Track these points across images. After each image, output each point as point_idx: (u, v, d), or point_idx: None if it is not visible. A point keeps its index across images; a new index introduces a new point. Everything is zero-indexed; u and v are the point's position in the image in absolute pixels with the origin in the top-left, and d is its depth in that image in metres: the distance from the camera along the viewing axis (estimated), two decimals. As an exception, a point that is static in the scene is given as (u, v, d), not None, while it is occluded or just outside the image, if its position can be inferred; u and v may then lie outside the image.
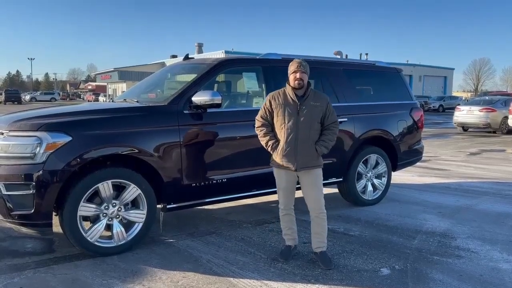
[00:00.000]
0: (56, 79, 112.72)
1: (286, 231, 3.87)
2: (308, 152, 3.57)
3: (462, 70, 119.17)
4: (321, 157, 3.68)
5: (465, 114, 17.51)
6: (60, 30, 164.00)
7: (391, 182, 5.94)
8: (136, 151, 3.79)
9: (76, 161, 3.55)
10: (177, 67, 5.16)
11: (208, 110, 4.14)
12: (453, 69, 55.09)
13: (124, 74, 46.30)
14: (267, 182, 4.60)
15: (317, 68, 5.23)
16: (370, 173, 5.61)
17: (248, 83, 5.15)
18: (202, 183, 4.15)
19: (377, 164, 5.67)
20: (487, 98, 19.10)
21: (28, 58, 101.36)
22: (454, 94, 54.88)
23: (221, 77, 5.01)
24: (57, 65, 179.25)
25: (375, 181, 5.71)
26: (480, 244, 4.26)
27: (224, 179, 4.29)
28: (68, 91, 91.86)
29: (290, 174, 3.65)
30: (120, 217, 3.86)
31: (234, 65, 4.74)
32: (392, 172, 5.92)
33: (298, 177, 3.69)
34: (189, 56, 5.21)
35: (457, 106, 19.01)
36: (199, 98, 4.03)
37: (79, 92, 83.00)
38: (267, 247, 4.07)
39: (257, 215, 5.12)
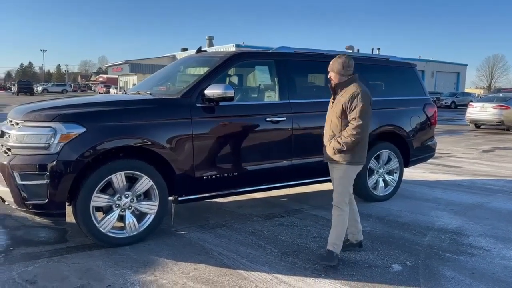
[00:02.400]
0: (67, 71, 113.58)
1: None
2: (328, 146, 3.63)
3: (476, 66, 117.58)
4: (346, 154, 3.52)
5: (478, 111, 17.29)
6: (72, 22, 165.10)
7: (403, 178, 5.90)
8: (149, 143, 3.81)
9: (90, 152, 3.58)
10: (190, 60, 5.16)
11: (221, 104, 4.14)
12: (466, 65, 54.38)
13: (135, 67, 46.45)
14: (278, 176, 4.62)
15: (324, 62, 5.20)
16: (381, 169, 5.57)
17: (260, 76, 5.13)
18: (214, 176, 4.16)
19: (389, 160, 5.63)
20: (500, 95, 18.80)
21: (41, 50, 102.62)
22: (467, 90, 54.18)
23: (234, 71, 5.01)
24: (69, 57, 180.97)
25: (387, 177, 5.67)
26: (492, 242, 4.22)
27: (236, 172, 4.31)
28: (80, 83, 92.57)
29: (328, 164, 3.74)
30: (133, 208, 3.89)
31: (247, 58, 4.73)
32: (404, 169, 5.87)
33: None
34: (202, 49, 5.21)
35: (470, 103, 18.78)
36: (212, 91, 4.03)
37: (90, 84, 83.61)
38: (278, 241, 4.08)
39: (267, 209, 5.13)
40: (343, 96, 3.52)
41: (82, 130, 3.56)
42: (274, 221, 4.68)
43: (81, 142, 3.56)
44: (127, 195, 3.83)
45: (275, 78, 4.68)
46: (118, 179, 3.72)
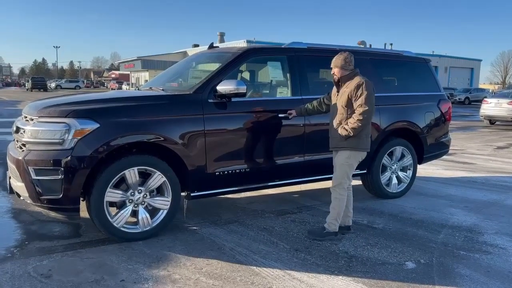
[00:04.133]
0: (80, 67, 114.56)
1: None
2: (333, 134, 4.02)
3: (490, 61, 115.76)
4: (352, 140, 3.89)
5: (492, 107, 17.04)
6: (85, 18, 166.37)
7: (416, 175, 5.83)
8: (162, 139, 3.82)
9: (103, 147, 3.60)
10: (202, 56, 5.15)
11: (233, 100, 4.13)
12: (481, 60, 53.55)
13: (147, 63, 46.73)
14: (291, 173, 4.60)
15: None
16: (395, 165, 5.52)
17: (273, 72, 5.11)
18: (226, 172, 4.16)
19: (402, 156, 5.57)
20: (516, 90, 18.50)
21: (54, 46, 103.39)
22: (481, 86, 53.36)
23: (246, 66, 4.99)
24: (82, 54, 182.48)
25: (400, 173, 5.62)
26: (508, 240, 4.15)
27: (248, 168, 4.30)
28: (92, 79, 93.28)
29: (333, 153, 4.12)
30: (146, 204, 3.90)
31: (260, 54, 4.71)
32: (418, 165, 5.81)
33: None
34: (214, 45, 5.20)
35: (485, 99, 18.51)
36: (224, 87, 4.02)
37: (103, 80, 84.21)
38: (290, 237, 4.07)
39: (279, 205, 5.11)
40: (348, 87, 3.88)
41: (96, 126, 3.58)
42: (286, 218, 4.67)
43: (95, 138, 3.58)
44: (140, 191, 3.84)
45: (288, 74, 4.66)
46: (131, 174, 3.74)
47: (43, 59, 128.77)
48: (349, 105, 3.87)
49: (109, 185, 3.67)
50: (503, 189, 6.31)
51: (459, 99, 35.28)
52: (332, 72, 4.00)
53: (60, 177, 3.52)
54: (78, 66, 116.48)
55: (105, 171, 3.64)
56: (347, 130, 3.84)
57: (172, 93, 4.27)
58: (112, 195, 3.71)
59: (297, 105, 4.44)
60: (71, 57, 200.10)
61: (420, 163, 5.84)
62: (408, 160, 5.61)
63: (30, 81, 51.73)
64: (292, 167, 4.64)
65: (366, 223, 4.53)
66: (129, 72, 57.21)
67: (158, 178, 3.86)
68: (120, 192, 3.77)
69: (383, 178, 5.43)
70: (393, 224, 4.53)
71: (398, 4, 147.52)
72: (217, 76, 4.18)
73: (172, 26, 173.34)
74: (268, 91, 5.08)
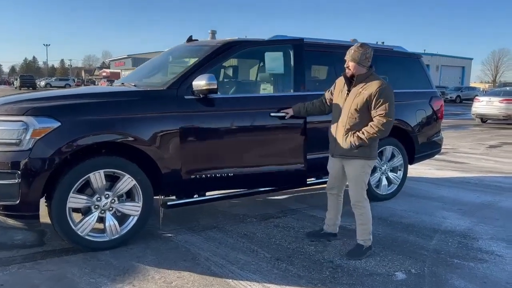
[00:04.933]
0: (71, 66, 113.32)
1: (326, 213, 3.93)
2: (343, 140, 3.51)
3: (481, 60, 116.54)
4: (364, 149, 3.46)
5: (484, 105, 16.90)
6: (76, 16, 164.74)
7: (407, 175, 5.57)
8: (131, 139, 3.50)
9: (65, 148, 3.27)
10: (179, 49, 4.81)
11: (211, 96, 3.80)
12: (472, 59, 53.85)
13: (138, 61, 46.17)
14: (277, 180, 4.20)
15: (331, 53, 4.86)
16: (385, 166, 5.25)
17: (258, 67, 4.82)
18: (203, 176, 3.81)
19: (392, 156, 5.30)
20: (507, 89, 18.37)
21: (44, 44, 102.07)
22: (472, 85, 53.55)
23: (228, 61, 4.68)
24: (73, 52, 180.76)
25: (390, 174, 5.35)
26: (505, 246, 3.89)
27: (229, 173, 3.91)
28: (83, 77, 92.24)
29: (333, 158, 3.71)
30: (114, 210, 3.59)
31: (241, 47, 4.37)
32: (409, 165, 5.55)
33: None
34: (193, 38, 4.87)
35: (476, 97, 18.38)
36: (196, 82, 3.71)
37: (94, 79, 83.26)
38: (271, 244, 3.77)
39: (262, 209, 4.81)
40: (366, 89, 3.39)
41: (56, 124, 3.25)
42: (269, 222, 4.37)
43: (55, 138, 3.25)
44: (107, 196, 3.52)
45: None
46: (97, 178, 3.42)
47: (34, 57, 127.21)
48: (364, 109, 3.39)
49: (72, 190, 3.34)
50: (497, 190, 6.07)
51: (450, 97, 35.29)
52: (346, 65, 3.48)
53: (17, 181, 3.19)
54: (69, 65, 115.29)
55: (67, 175, 3.31)
56: (362, 139, 3.38)
57: (144, 89, 3.94)
58: (76, 200, 3.39)
59: (285, 103, 4.02)
60: (62, 55, 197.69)
61: (411, 163, 5.57)
62: (398, 160, 5.34)
63: (18, 79, 50.90)
64: (279, 174, 4.15)
65: (353, 228, 4.23)
66: (119, 70, 56.62)
67: (127, 182, 3.54)
68: (84, 197, 3.44)
69: (373, 179, 5.15)
70: (383, 229, 4.25)
71: (390, 2, 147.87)
72: (194, 71, 3.85)
73: (164, 24, 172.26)
74: (252, 88, 4.77)
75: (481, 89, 41.71)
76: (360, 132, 3.40)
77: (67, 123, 3.29)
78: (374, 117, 3.37)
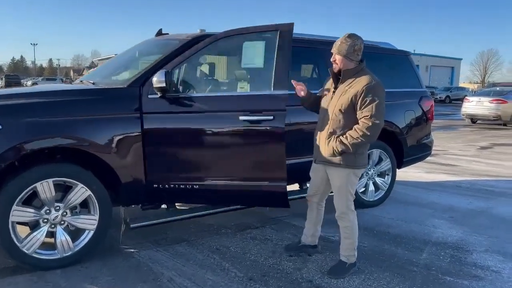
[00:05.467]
0: (59, 65, 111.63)
1: (305, 222, 3.56)
2: (326, 146, 3.10)
3: (470, 61, 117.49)
4: (349, 156, 3.03)
5: (474, 106, 16.68)
6: (64, 15, 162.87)
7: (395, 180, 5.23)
8: (84, 143, 3.09)
9: (7, 154, 2.87)
10: (147, 44, 4.39)
11: (181, 95, 3.40)
12: (461, 59, 53.97)
13: (125, 60, 45.45)
14: (251, 198, 3.56)
15: (313, 49, 4.51)
16: (371, 170, 4.90)
17: (234, 64, 4.43)
18: (167, 187, 3.40)
19: (380, 160, 4.96)
20: (497, 89, 18.21)
21: (31, 44, 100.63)
22: (461, 85, 53.72)
23: (207, 57, 4.30)
24: (62, 51, 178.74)
25: (378, 179, 5.00)
26: (501, 260, 3.56)
27: (195, 185, 3.42)
28: (72, 77, 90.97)
29: (316, 164, 3.30)
30: (66, 223, 3.18)
31: (214, 40, 3.94)
32: (397, 169, 5.21)
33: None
34: (163, 32, 4.48)
35: (466, 97, 18.17)
36: (151, 80, 3.31)
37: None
38: (246, 261, 3.39)
39: (239, 218, 4.42)
40: (353, 87, 2.97)
41: (-4, 127, 2.84)
42: (245, 234, 3.99)
43: (-5, 143, 2.84)
44: (58, 208, 3.12)
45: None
46: (45, 188, 3.01)
47: (22, 56, 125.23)
48: (350, 110, 2.97)
49: (16, 202, 2.93)
50: (489, 195, 5.76)
51: (440, 97, 35.22)
52: (332, 59, 3.05)
53: (-51, 192, 2.78)
54: (57, 64, 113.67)
55: (9, 184, 2.91)
56: (345, 145, 2.96)
57: (101, 87, 3.54)
58: (20, 214, 2.98)
59: (259, 104, 3.40)
60: (51, 55, 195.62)
61: (399, 167, 5.23)
62: (386, 164, 5.00)
63: (3, 78, 49.92)
64: (264, 192, 3.45)
65: (336, 239, 3.88)
66: (107, 70, 55.71)
67: (81, 192, 3.14)
68: (31, 210, 3.03)
69: (359, 185, 4.80)
70: (369, 241, 3.89)
71: (377, 2, 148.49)
72: (159, 68, 3.44)
73: (154, 22, 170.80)
74: (230, 86, 4.37)
75: (470, 89, 41.77)
76: (344, 136, 2.99)
77: (9, 126, 2.89)
78: (360, 119, 2.95)
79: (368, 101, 2.91)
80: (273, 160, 3.34)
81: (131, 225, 3.37)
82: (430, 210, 4.95)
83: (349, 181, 3.12)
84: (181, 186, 3.39)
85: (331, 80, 3.20)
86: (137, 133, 3.29)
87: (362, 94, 2.91)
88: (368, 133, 2.92)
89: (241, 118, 3.32)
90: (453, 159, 8.56)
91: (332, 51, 3.07)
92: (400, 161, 5.18)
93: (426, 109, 5.42)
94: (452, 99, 35.65)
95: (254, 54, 3.41)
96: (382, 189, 5.05)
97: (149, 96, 3.36)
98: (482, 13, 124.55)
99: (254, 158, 3.42)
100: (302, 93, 3.24)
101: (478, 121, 17.40)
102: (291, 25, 3.35)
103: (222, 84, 4.29)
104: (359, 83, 2.95)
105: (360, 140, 2.94)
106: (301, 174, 4.26)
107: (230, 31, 3.46)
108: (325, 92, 3.22)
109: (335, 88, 3.09)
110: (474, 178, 6.83)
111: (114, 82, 3.66)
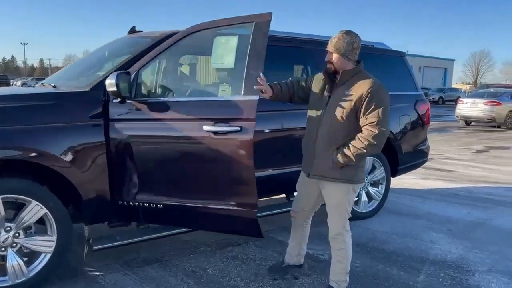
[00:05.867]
0: (50, 65, 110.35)
1: (289, 240, 3.22)
2: (325, 157, 2.72)
3: (462, 62, 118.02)
4: (348, 169, 2.70)
5: (468, 107, 16.49)
6: (56, 15, 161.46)
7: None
8: (39, 156, 2.71)
9: None
10: (118, 43, 4.00)
11: (150, 100, 3.04)
12: (454, 60, 54.09)
13: (116, 61, 44.97)
14: (218, 223, 3.06)
15: (301, 49, 4.17)
16: (364, 179, 4.55)
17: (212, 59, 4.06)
18: (133, 205, 3.03)
19: (373, 168, 4.62)
20: (492, 90, 18.05)
21: (21, 43, 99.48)
22: (454, 86, 53.80)
23: (187, 57, 3.93)
24: (53, 51, 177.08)
25: (371, 189, 4.66)
26: (506, 282, 3.23)
27: (159, 204, 3.00)
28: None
29: (306, 178, 2.91)
30: (19, 246, 2.80)
31: (188, 36, 3.53)
32: (392, 178, 4.88)
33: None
34: (136, 29, 4.10)
35: (460, 99, 17.98)
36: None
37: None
38: (223, 286, 3.03)
39: (220, 234, 4.03)
40: (354, 90, 2.63)
41: None
42: (226, 253, 3.63)
43: None
44: (8, 228, 2.74)
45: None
46: (-9, 207, 2.63)
47: (12, 56, 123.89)
48: (351, 117, 2.63)
49: (-44, 223, 2.55)
50: (489, 203, 5.44)
51: (433, 98, 35.07)
52: (327, 59, 2.70)
53: None
54: (48, 64, 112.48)
55: None
56: (348, 157, 2.61)
57: (59, 91, 3.15)
58: (-38, 236, 2.60)
59: (231, 109, 2.80)
60: (42, 54, 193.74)
61: (394, 175, 4.90)
62: (379, 172, 4.67)
63: (-8, 78, 49.19)
64: (232, 218, 2.95)
65: (326, 259, 3.53)
66: (98, 70, 55.15)
67: (35, 210, 2.76)
68: (-25, 232, 2.65)
69: (351, 196, 4.45)
70: (361, 260, 3.55)
71: (369, 2, 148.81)
72: (127, 68, 3.06)
73: (148, 22, 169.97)
74: (198, 91, 3.94)
75: (463, 90, 41.76)
76: (346, 147, 2.64)
77: None
78: (364, 126, 2.62)
79: (373, 106, 2.58)
80: (241, 180, 2.81)
81: (94, 247, 3.00)
82: (427, 222, 4.62)
83: (348, 198, 2.80)
84: (145, 204, 3.01)
85: (319, 82, 2.82)
86: (100, 143, 2.92)
87: (367, 99, 2.58)
88: (375, 142, 2.59)
89: (205, 128, 2.81)
90: (449, 164, 8.26)
91: (327, 49, 2.69)
92: (395, 169, 4.85)
93: (422, 113, 5.11)
94: (445, 100, 35.60)
95: (224, 51, 2.94)
96: (376, 199, 4.72)
97: (114, 101, 2.99)
98: (475, 14, 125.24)
99: (220, 177, 2.88)
100: (267, 95, 2.76)
101: (472, 123, 17.20)
102: (268, 16, 2.80)
103: (190, 87, 3.78)
104: (362, 86, 2.61)
105: (365, 151, 2.61)
106: (288, 185, 3.97)
107: (199, 25, 3.03)
108: (314, 96, 2.83)
109: (331, 92, 2.73)
110: (471, 185, 6.52)
111: (77, 85, 3.28)
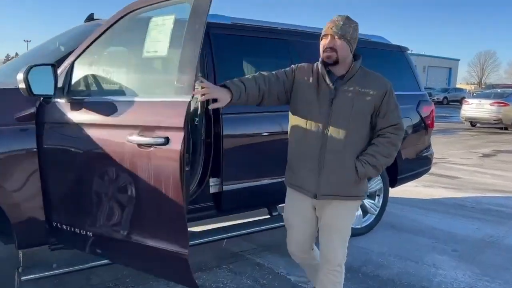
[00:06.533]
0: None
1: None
2: (340, 170, 2.17)
3: (467, 61, 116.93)
4: (363, 183, 2.28)
5: (474, 108, 15.86)
6: (59, 11, 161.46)
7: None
8: None
9: None
10: (71, 32, 3.46)
11: (87, 100, 2.43)
12: (459, 60, 53.42)
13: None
14: (144, 262, 2.40)
15: (289, 42, 3.64)
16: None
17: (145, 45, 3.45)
18: (67, 229, 2.47)
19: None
20: (498, 91, 17.42)
21: (24, 40, 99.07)
22: (458, 86, 53.09)
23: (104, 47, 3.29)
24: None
25: (366, 202, 4.12)
26: (525, 323, 2.68)
27: (88, 232, 2.40)
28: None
29: (307, 201, 2.29)
30: None
31: (123, 26, 2.87)
32: (390, 188, 4.34)
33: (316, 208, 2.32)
34: (94, 17, 3.56)
35: (465, 99, 17.37)
36: None
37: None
38: (180, 326, 2.49)
39: (191, 254, 3.51)
40: (371, 88, 2.17)
41: None
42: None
43: None
44: None
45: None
46: None
47: (16, 54, 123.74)
48: (367, 119, 2.20)
49: None
50: (499, 217, 4.89)
51: (437, 98, 34.46)
52: (328, 45, 2.12)
53: None
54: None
55: None
56: (376, 168, 2.17)
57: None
58: None
59: (158, 114, 2.14)
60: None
61: (393, 186, 4.35)
62: (376, 183, 4.13)
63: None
64: (159, 257, 2.27)
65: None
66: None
67: None
68: None
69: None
70: (351, 290, 3.01)
71: (374, 1, 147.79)
72: (72, 61, 2.53)
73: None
74: (129, 88, 3.26)
75: (467, 91, 41.08)
76: (370, 156, 2.16)
77: None
78: (383, 129, 2.20)
79: (394, 107, 2.23)
80: (166, 211, 2.12)
81: (22, 278, 2.47)
82: (430, 240, 4.06)
83: (353, 218, 2.39)
84: (76, 229, 2.47)
85: (308, 76, 2.23)
86: (30, 152, 2.38)
87: (387, 98, 2.19)
88: (399, 148, 2.26)
89: (129, 138, 2.15)
90: (453, 170, 7.69)
91: (327, 32, 2.14)
92: (394, 179, 4.29)
93: (425, 116, 4.55)
94: (450, 100, 35.01)
95: (158, 37, 2.28)
96: (372, 213, 4.18)
97: (56, 100, 2.45)
98: (480, 14, 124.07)
99: (143, 205, 2.22)
100: (219, 104, 2.05)
101: (478, 125, 16.58)
102: None
103: (120, 84, 2.67)
104: (379, 83, 2.20)
105: (391, 159, 2.24)
106: (270, 197, 3.44)
107: (131, 5, 2.40)
108: (306, 94, 2.22)
109: (335, 88, 2.17)
110: (479, 194, 5.96)
111: (11, 82, 2.73)
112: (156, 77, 2.47)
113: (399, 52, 4.58)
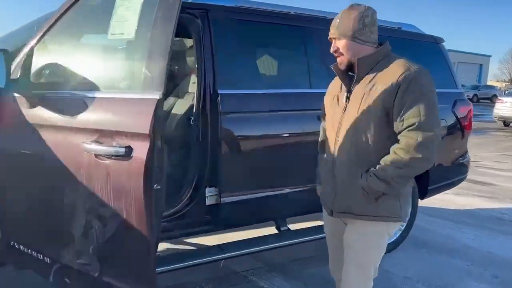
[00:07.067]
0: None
1: None
2: (351, 185, 1.82)
3: (498, 58, 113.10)
4: (389, 201, 1.78)
5: (508, 107, 14.96)
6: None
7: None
8: None
9: None
10: (50, 14, 3.07)
11: (43, 95, 1.93)
12: (490, 56, 51.37)
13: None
14: None
15: (305, 29, 3.12)
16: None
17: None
18: (24, 250, 2.04)
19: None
20: (535, 89, 16.38)
21: None
22: (489, 83, 51.14)
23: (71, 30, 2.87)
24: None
25: (391, 215, 3.58)
26: None
27: (45, 256, 1.96)
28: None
29: (332, 218, 2.00)
30: None
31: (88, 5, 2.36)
32: (420, 200, 3.78)
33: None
34: None
35: (499, 98, 16.44)
36: None
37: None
38: None
39: (184, 276, 3.04)
40: (381, 81, 1.75)
41: None
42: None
43: None
44: None
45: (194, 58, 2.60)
46: None
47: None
48: (382, 120, 1.76)
49: None
50: (544, 235, 4.27)
51: (467, 96, 33.16)
52: (333, 50, 1.85)
53: None
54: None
55: None
56: (386, 182, 1.71)
57: None
58: None
59: (120, 116, 1.70)
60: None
61: (422, 198, 3.79)
62: (404, 195, 3.57)
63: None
64: None
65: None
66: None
67: None
68: None
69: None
70: (370, 328, 2.49)
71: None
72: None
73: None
74: (106, 80, 2.77)
75: (498, 88, 39.48)
76: (379, 167, 1.74)
77: None
78: (400, 132, 1.73)
79: (411, 100, 1.69)
80: (128, 242, 1.69)
81: None
82: (465, 263, 3.50)
83: (382, 243, 1.90)
84: (32, 252, 2.01)
85: (334, 87, 1.98)
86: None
87: (400, 90, 1.70)
88: (419, 155, 1.67)
89: (85, 146, 1.71)
90: (488, 175, 7.01)
91: (331, 36, 1.85)
92: (424, 190, 3.73)
93: (461, 117, 3.97)
94: (480, 98, 33.69)
95: (125, 15, 1.78)
96: (399, 228, 3.63)
97: (35, 91, 2.01)
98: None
99: (102, 232, 1.76)
100: None
101: (511, 125, 15.62)
102: None
103: (81, 76, 2.33)
104: (391, 73, 1.74)
105: (408, 170, 1.71)
106: (277, 210, 2.97)
107: None
108: (328, 104, 1.98)
109: (349, 91, 1.86)
110: (518, 205, 5.32)
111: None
112: (121, 67, 1.97)
113: (434, 43, 4.01)
